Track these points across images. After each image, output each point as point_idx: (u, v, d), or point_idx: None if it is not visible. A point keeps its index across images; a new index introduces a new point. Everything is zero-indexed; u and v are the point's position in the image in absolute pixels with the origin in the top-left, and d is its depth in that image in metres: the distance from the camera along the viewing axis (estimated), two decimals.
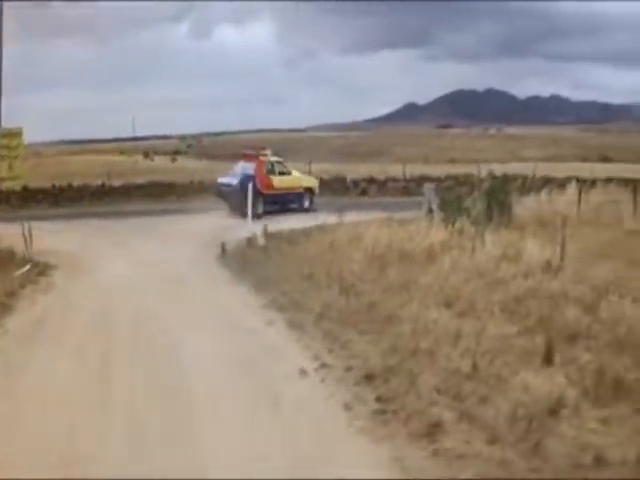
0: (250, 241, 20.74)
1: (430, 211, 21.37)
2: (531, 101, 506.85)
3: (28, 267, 17.34)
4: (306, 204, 33.70)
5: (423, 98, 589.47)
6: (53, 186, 39.42)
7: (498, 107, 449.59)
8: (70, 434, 7.50)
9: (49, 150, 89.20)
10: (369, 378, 8.94)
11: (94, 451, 7.09)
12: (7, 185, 23.64)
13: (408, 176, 47.93)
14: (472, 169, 43.91)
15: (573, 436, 6.98)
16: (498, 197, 21.45)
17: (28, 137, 26.87)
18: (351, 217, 22.27)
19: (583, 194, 27.55)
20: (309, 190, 34.33)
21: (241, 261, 18.39)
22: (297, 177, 34.49)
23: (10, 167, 21.77)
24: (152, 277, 17.18)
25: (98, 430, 7.62)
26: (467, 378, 8.50)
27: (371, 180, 45.70)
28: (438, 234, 17.62)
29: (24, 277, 16.38)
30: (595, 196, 30.20)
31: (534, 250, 15.40)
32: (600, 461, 6.46)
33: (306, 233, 21.50)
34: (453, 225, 18.79)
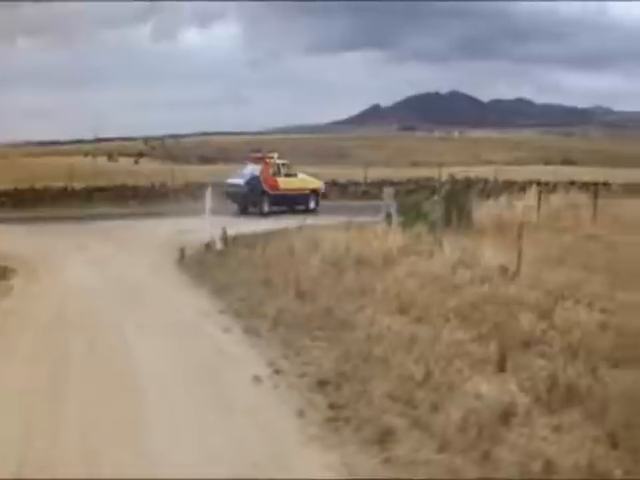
0: (209, 246, 20.62)
1: (389, 216, 21.36)
2: (495, 104, 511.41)
3: None
4: (312, 205, 35.50)
5: (387, 100, 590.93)
6: (15, 189, 39.14)
7: (462, 110, 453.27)
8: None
9: (14, 152, 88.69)
10: (322, 385, 8.89)
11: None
12: None
13: (369, 180, 48.07)
14: (434, 172, 44.14)
15: (524, 444, 6.96)
16: (457, 201, 21.54)
17: None
18: (311, 221, 22.25)
19: (544, 198, 27.77)
20: (314, 191, 35.95)
21: (199, 266, 18.26)
22: (302, 179, 36.36)
23: None
24: (110, 282, 17.02)
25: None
26: (420, 385, 8.48)
27: (333, 183, 45.70)
28: (396, 239, 17.63)
29: None
30: (556, 200, 30.45)
31: (491, 255, 15.45)
32: (550, 469, 6.45)
33: (265, 237, 21.42)
34: (411, 230, 18.80)
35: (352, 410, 7.99)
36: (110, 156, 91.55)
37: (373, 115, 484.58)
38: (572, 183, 50.27)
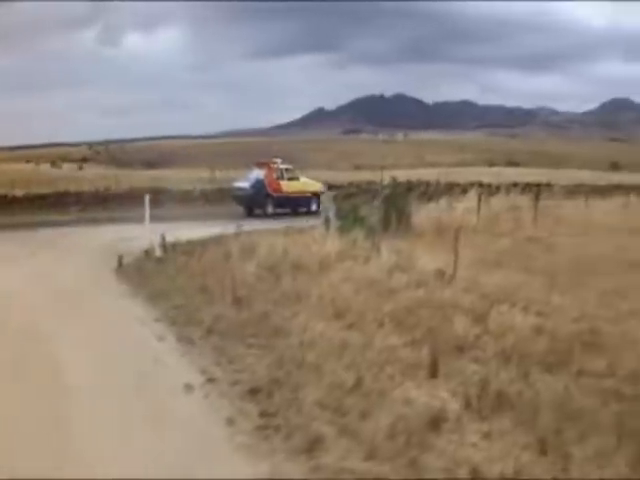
0: (147, 253, 20.49)
1: (327, 220, 21.33)
2: (440, 106, 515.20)
3: None
4: (313, 207, 37.23)
5: (331, 104, 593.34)
6: None
7: (407, 113, 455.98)
8: None
9: None
10: (254, 392, 8.80)
11: None
12: None
13: None
14: (378, 176, 44.30)
15: (452, 450, 6.94)
16: (397, 205, 21.57)
17: None
18: (250, 226, 22.23)
19: (485, 200, 27.93)
20: (315, 194, 37.75)
21: (137, 273, 18.08)
22: (304, 182, 39.41)
23: None
24: (45, 291, 16.71)
25: None
26: (350, 392, 8.42)
27: None
28: (334, 244, 17.61)
29: None
30: (497, 202, 30.68)
31: (428, 259, 15.50)
32: (476, 476, 6.44)
33: (203, 243, 21.34)
34: (349, 234, 18.79)
35: (282, 418, 7.91)
36: (53, 162, 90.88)
37: (317, 119, 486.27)
38: (515, 185, 50.81)
